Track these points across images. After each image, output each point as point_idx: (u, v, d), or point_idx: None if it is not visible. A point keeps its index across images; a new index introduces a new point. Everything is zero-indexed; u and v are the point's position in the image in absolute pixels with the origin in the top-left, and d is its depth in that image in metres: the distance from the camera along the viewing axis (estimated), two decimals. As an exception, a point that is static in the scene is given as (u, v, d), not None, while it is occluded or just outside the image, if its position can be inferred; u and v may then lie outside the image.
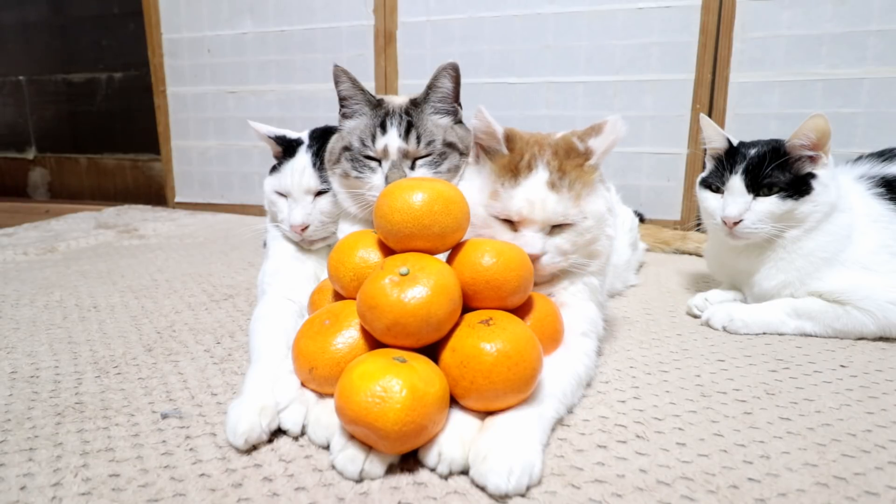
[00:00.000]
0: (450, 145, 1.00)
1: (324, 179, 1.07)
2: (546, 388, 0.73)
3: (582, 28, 1.97)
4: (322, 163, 1.07)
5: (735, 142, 1.14)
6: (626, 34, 1.93)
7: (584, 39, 1.97)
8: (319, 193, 1.08)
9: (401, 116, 0.99)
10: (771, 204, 1.06)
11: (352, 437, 0.65)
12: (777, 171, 1.05)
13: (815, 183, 1.05)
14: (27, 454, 0.68)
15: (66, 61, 2.78)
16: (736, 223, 1.07)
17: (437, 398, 0.64)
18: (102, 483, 0.63)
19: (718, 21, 1.82)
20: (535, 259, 0.84)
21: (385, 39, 2.19)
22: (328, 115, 2.14)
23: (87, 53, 2.74)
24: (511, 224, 0.87)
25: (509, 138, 0.89)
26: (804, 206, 1.05)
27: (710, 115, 1.82)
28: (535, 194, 0.84)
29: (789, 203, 1.05)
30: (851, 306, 1.03)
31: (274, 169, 1.12)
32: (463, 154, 1.02)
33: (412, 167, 0.99)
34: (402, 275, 0.71)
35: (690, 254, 1.73)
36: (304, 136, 1.13)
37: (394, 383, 0.62)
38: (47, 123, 2.89)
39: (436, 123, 1.01)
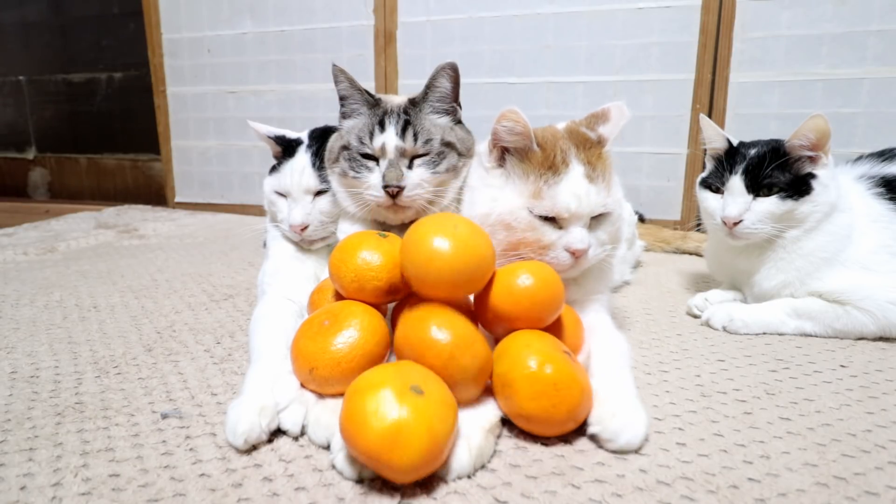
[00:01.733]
0: (448, 145, 1.00)
1: (323, 179, 1.07)
2: (620, 360, 0.82)
3: (582, 28, 1.97)
4: (322, 162, 1.07)
5: (735, 142, 1.14)
6: (626, 34, 1.93)
7: (584, 39, 1.97)
8: (319, 193, 1.08)
9: (399, 115, 0.99)
10: (771, 204, 1.06)
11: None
12: (777, 171, 1.05)
13: (814, 183, 1.05)
14: (27, 454, 0.68)
15: (66, 61, 2.78)
16: (736, 223, 1.07)
17: (450, 432, 0.62)
18: (102, 483, 0.63)
19: (718, 21, 1.82)
20: (582, 254, 0.85)
21: (385, 39, 2.19)
22: (328, 115, 2.14)
23: (87, 53, 2.74)
24: (554, 223, 0.86)
25: (535, 135, 0.88)
26: (804, 206, 1.05)
27: (710, 115, 1.83)
28: (579, 188, 0.84)
29: (789, 203, 1.05)
30: (851, 306, 1.03)
31: (274, 169, 1.12)
32: (462, 155, 1.02)
33: (410, 166, 0.99)
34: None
35: (690, 253, 1.73)
36: (304, 136, 1.13)
37: (411, 423, 0.58)
38: (47, 123, 2.89)
39: (434, 123, 1.01)
